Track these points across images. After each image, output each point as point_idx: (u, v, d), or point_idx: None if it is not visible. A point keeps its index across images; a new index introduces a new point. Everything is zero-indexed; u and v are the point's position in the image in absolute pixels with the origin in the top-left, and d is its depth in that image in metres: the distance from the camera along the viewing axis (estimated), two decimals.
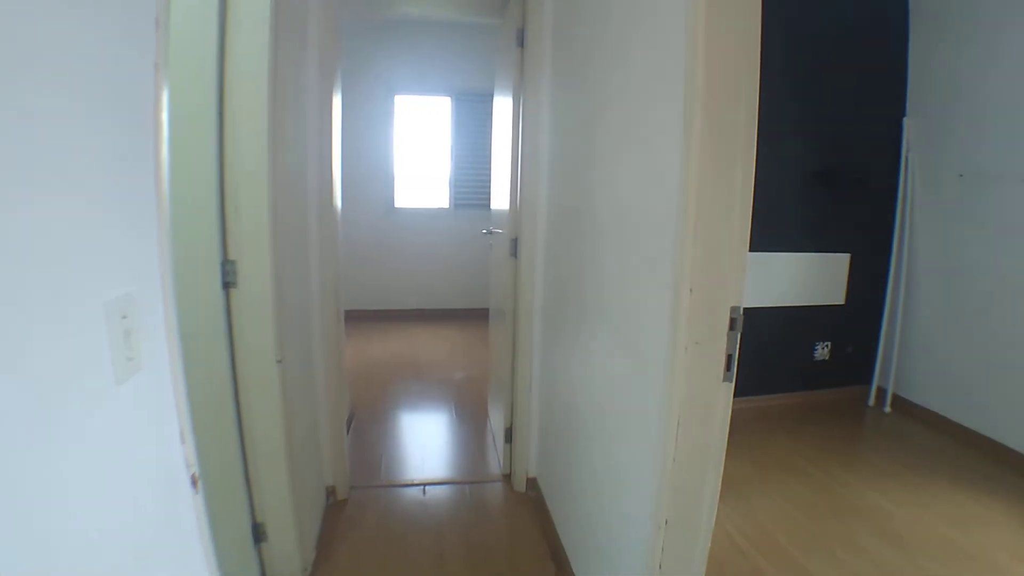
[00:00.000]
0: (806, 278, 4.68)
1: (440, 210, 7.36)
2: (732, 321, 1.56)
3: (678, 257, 1.55)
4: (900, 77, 4.77)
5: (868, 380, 5.06)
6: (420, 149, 7.34)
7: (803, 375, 4.94)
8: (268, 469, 2.49)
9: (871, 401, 5.00)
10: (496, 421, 3.93)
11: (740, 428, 4.23)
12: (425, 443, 4.28)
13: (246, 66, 2.18)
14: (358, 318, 6.91)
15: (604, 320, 2.28)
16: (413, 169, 7.34)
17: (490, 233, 4.00)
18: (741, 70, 1.51)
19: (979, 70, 4.26)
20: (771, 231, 4.42)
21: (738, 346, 1.59)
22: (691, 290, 1.53)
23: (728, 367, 1.59)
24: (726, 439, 1.68)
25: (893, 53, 4.75)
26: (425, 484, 3.63)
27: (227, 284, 2.26)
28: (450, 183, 7.33)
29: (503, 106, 3.63)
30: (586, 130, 2.55)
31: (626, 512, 2.03)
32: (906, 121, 4.73)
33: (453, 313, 7.37)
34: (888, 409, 4.87)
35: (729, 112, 1.50)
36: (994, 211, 4.22)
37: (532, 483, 3.58)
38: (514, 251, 3.35)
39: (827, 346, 4.93)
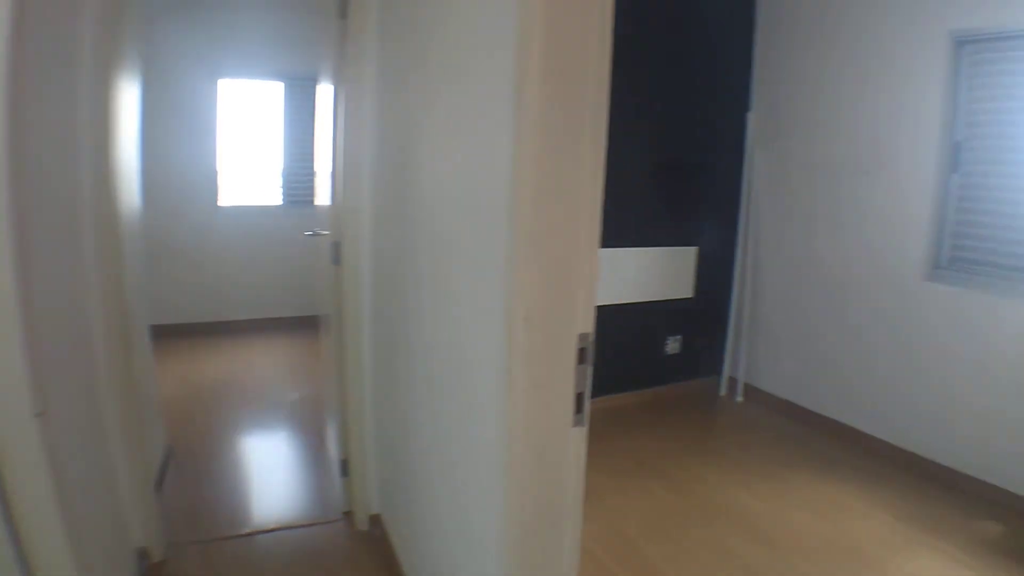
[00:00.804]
0: (654, 273, 4.55)
1: (271, 208, 6.69)
2: (581, 353, 1.25)
3: (509, 275, 1.22)
4: (746, 70, 4.76)
5: (719, 371, 5.03)
6: (249, 140, 6.63)
7: (655, 370, 4.81)
8: (43, 546, 1.95)
9: (723, 392, 4.97)
10: (334, 451, 3.49)
11: (594, 431, 3.98)
12: (256, 483, 3.74)
13: None
14: (181, 334, 6.10)
15: (432, 349, 1.92)
16: (241, 163, 6.62)
17: (315, 235, 3.53)
18: (587, 39, 1.19)
19: (820, 65, 4.32)
20: (617, 225, 4.20)
21: (590, 380, 1.28)
22: (526, 318, 1.19)
23: (579, 408, 1.28)
24: (582, 492, 1.38)
25: (739, 46, 4.72)
26: (256, 533, 3.14)
27: None
28: (282, 178, 6.70)
29: (326, 87, 3.18)
30: (413, 114, 2.18)
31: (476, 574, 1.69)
32: (750, 115, 4.71)
33: (290, 323, 6.65)
34: (740, 399, 4.85)
35: (574, 86, 1.18)
36: (834, 202, 4.31)
37: (376, 520, 3.17)
38: (336, 257, 2.92)
39: (678, 340, 4.83)
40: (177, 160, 6.03)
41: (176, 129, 6.02)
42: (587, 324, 1.24)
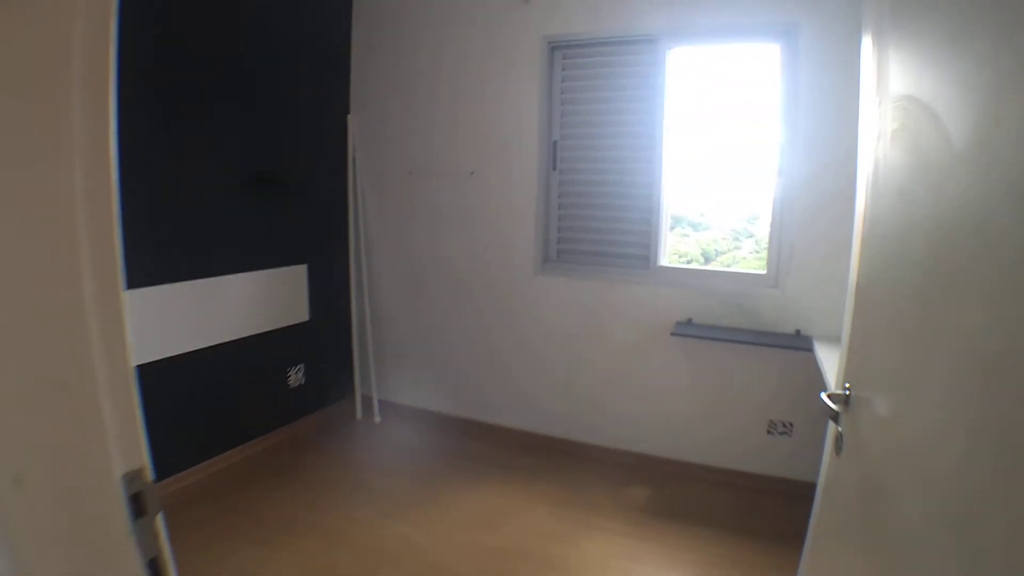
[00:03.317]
0: (261, 299, 3.95)
1: None
2: (136, 501, 0.76)
3: None
4: (345, 71, 4.43)
5: (352, 393, 4.67)
6: None
7: (282, 408, 4.23)
8: None
9: (359, 414, 4.61)
10: None
11: (224, 498, 3.41)
12: None
13: None
14: None
15: None
16: None
17: None
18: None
19: (419, 65, 4.19)
20: (206, 253, 3.56)
21: (163, 532, 0.80)
22: (17, 479, 0.66)
23: None
24: None
25: (337, 45, 4.37)
26: None
27: None
28: None
29: None
30: None
31: None
32: (350, 118, 4.39)
33: None
34: (378, 419, 4.55)
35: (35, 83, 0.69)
36: (443, 205, 4.24)
37: None
38: None
39: (300, 369, 4.33)
40: None
41: None
42: (135, 455, 0.76)
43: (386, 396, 4.65)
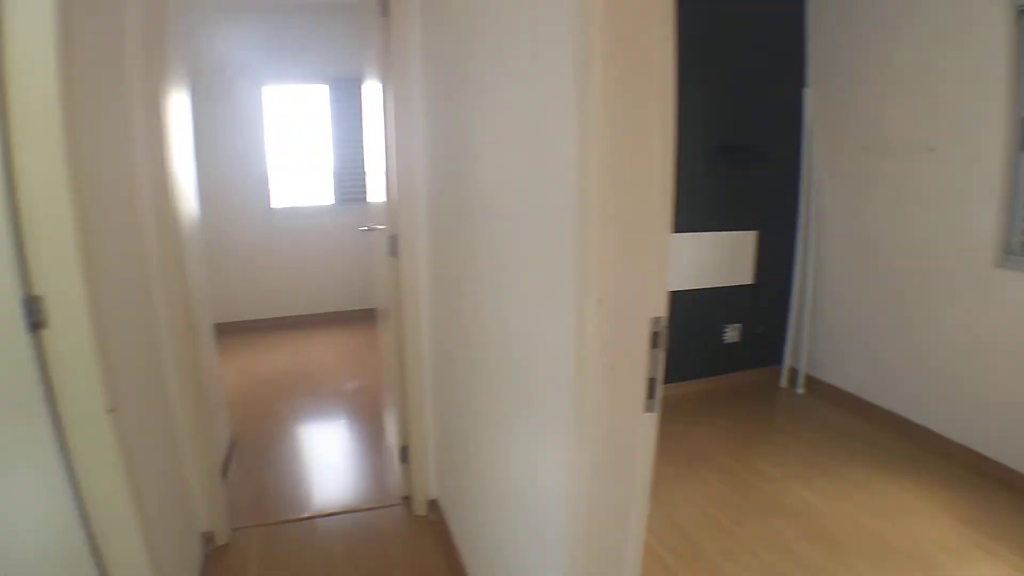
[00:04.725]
0: (713, 258, 4.46)
1: (324, 207, 6.80)
2: (654, 336, 1.22)
3: (581, 259, 1.19)
4: (799, 48, 4.59)
5: (779, 361, 4.91)
6: (298, 142, 6.75)
7: (714, 359, 4.73)
8: (117, 535, 2.01)
9: (783, 383, 4.84)
10: (393, 438, 3.53)
11: None
12: (317, 469, 3.81)
13: (27, 54, 1.68)
14: (239, 331, 6.28)
15: (494, 336, 1.91)
16: (292, 165, 6.75)
17: (370, 230, 3.57)
18: (648, 16, 1.16)
19: (881, 43, 4.11)
20: (676, 211, 4.16)
21: (662, 365, 1.25)
22: (600, 301, 1.17)
23: (651, 394, 1.25)
24: (650, 480, 1.35)
25: (790, 24, 4.57)
26: (316, 516, 3.21)
27: (35, 325, 1.76)
28: (333, 177, 6.79)
29: (372, 86, 3.19)
30: (464, 103, 2.17)
31: (538, 564, 1.68)
32: (807, 92, 4.53)
33: (345, 316, 6.80)
34: (801, 390, 4.72)
35: (638, 66, 1.15)
36: (900, 182, 4.10)
37: (433, 505, 3.20)
38: (394, 250, 2.93)
39: (737, 328, 4.73)
40: (229, 165, 6.20)
41: (225, 136, 6.18)
42: (660, 308, 1.21)
43: (813, 371, 4.76)
